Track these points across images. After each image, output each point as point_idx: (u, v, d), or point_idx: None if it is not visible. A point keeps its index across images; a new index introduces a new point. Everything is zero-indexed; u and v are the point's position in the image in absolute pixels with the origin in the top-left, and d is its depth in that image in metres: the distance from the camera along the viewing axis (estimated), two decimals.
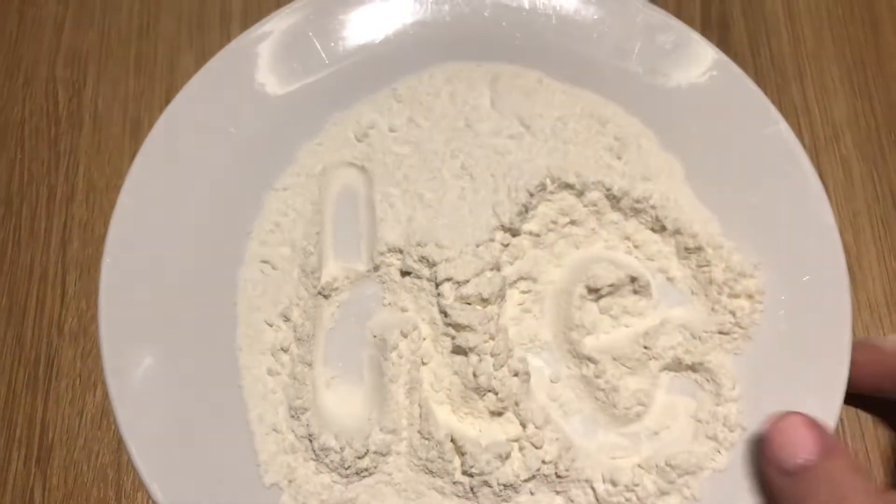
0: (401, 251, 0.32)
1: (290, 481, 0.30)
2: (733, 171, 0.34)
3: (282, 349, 0.32)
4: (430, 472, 0.30)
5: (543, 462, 0.30)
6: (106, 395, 0.33)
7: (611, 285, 0.32)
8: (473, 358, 0.30)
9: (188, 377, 0.31)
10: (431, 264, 0.32)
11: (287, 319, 0.32)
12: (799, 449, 0.26)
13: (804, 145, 0.37)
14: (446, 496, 0.30)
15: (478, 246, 0.32)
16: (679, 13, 0.39)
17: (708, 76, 0.35)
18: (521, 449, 0.30)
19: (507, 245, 0.33)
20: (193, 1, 0.40)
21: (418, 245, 0.32)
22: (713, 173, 0.34)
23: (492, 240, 0.32)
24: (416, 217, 0.33)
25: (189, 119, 0.34)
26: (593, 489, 0.30)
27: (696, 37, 0.35)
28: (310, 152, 0.35)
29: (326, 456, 0.30)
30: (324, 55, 0.36)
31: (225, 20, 0.40)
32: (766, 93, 0.35)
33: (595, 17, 0.36)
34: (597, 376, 0.31)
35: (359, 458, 0.30)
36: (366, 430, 0.30)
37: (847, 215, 0.37)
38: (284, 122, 0.35)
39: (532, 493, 0.30)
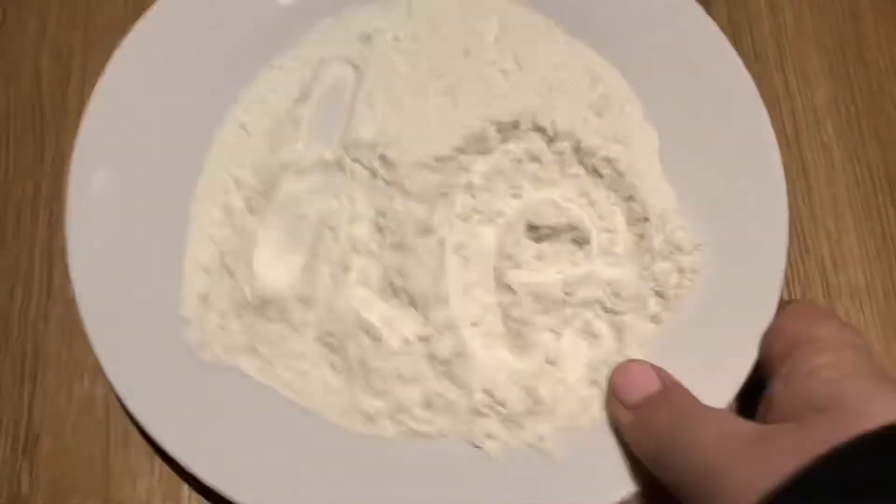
0: (367, 146, 0.34)
1: (200, 317, 0.32)
2: (706, 155, 0.34)
3: (232, 206, 0.34)
4: (330, 346, 0.32)
5: (435, 358, 0.31)
6: (92, 383, 0.34)
7: (551, 227, 0.33)
8: (406, 257, 0.32)
9: (141, 207, 0.33)
10: (390, 164, 0.33)
11: (242, 182, 0.34)
12: (641, 385, 0.29)
13: (786, 132, 0.37)
14: (336, 372, 0.32)
15: (437, 159, 0.33)
16: None
17: (707, 62, 0.35)
18: (419, 340, 0.32)
19: (465, 169, 0.34)
20: None
21: (384, 144, 0.34)
22: (686, 153, 0.34)
23: (452, 158, 0.33)
24: (389, 120, 0.34)
25: (170, 27, 0.36)
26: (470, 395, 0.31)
27: (713, 28, 0.36)
28: (312, 41, 0.36)
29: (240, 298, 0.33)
30: None
31: None
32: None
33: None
34: (512, 305, 0.32)
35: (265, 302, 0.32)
36: (283, 290, 0.33)
37: (828, 200, 0.37)
38: (290, 13, 0.37)
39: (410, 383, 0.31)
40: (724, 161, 0.34)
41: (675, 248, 0.32)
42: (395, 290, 0.33)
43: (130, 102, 0.35)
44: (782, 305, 0.31)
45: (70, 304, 0.35)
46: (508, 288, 0.32)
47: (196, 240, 0.34)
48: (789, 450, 0.23)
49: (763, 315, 0.31)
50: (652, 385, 0.29)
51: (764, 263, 0.32)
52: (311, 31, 0.37)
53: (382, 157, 0.34)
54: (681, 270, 0.32)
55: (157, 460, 0.33)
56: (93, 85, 0.38)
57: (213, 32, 0.36)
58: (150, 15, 0.36)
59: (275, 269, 0.33)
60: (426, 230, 0.33)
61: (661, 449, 0.27)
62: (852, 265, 0.36)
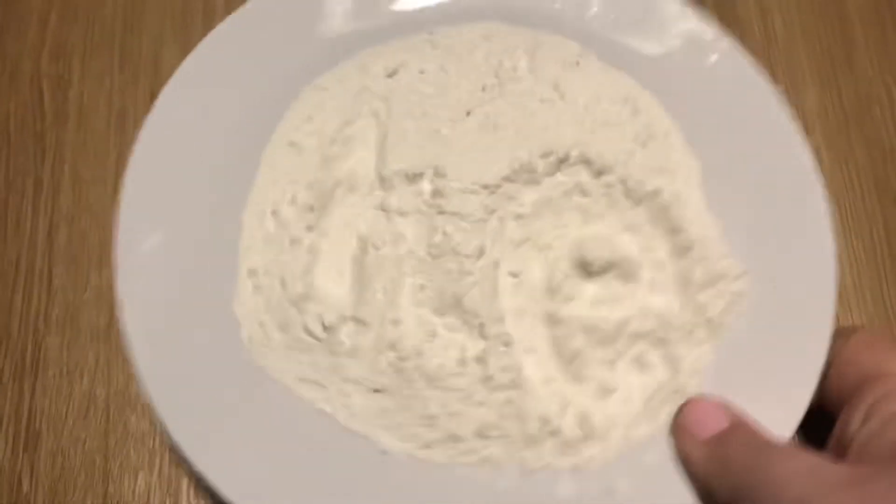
0: (410, 175, 0.34)
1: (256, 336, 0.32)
2: (749, 185, 0.34)
3: (287, 221, 0.33)
4: (383, 368, 0.32)
5: (491, 380, 0.31)
6: (92, 383, 0.34)
7: (602, 261, 0.33)
8: (460, 277, 0.32)
9: (193, 231, 0.33)
10: (437, 192, 0.33)
11: (297, 199, 0.34)
12: (712, 421, 0.29)
13: None
14: (388, 395, 0.31)
15: (485, 187, 0.33)
16: None
17: (742, 92, 0.36)
18: (475, 361, 0.32)
19: (513, 199, 0.34)
20: None
21: (428, 174, 0.34)
22: (730, 183, 0.34)
23: (499, 186, 0.33)
24: (426, 146, 0.34)
25: (232, 43, 0.35)
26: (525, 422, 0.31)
27: (740, 55, 0.36)
28: (351, 67, 0.36)
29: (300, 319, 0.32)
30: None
31: (208, 14, 0.40)
32: None
33: (641, 15, 0.37)
34: (564, 338, 0.32)
35: (324, 328, 0.32)
36: (339, 310, 0.32)
37: None
38: (326, 46, 0.36)
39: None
40: (765, 188, 0.34)
41: (720, 277, 0.32)
42: (450, 311, 0.32)
43: (179, 132, 0.34)
44: (842, 332, 0.31)
45: (69, 304, 0.35)
46: (561, 322, 0.32)
47: (248, 255, 0.33)
48: (887, 496, 0.23)
49: (818, 343, 0.31)
50: (722, 421, 0.29)
51: (814, 290, 0.32)
52: (342, 63, 0.36)
53: (430, 185, 0.34)
54: (726, 297, 0.32)
55: (157, 459, 0.33)
56: (92, 88, 0.39)
57: (256, 63, 0.35)
58: (199, 49, 0.35)
59: (329, 288, 0.33)
60: (480, 251, 0.33)
61: (741, 485, 0.26)
62: (840, 270, 0.37)
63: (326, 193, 0.34)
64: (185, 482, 0.33)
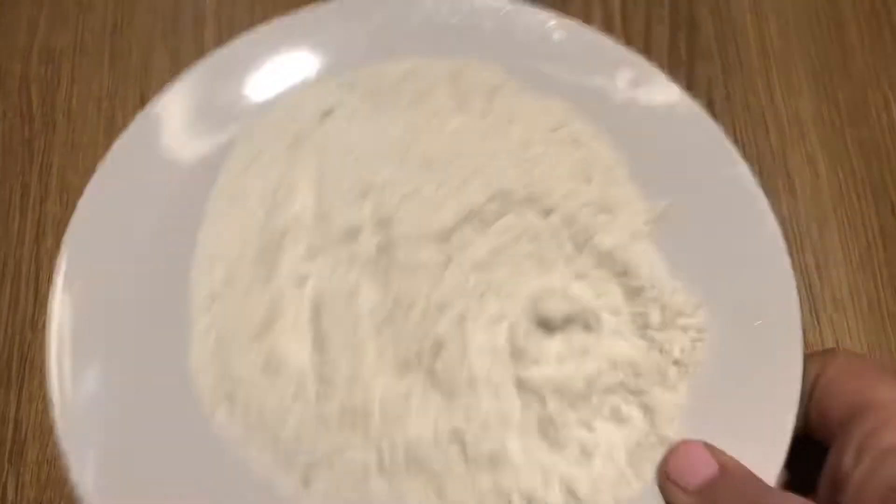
0: (346, 230, 0.32)
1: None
2: (694, 212, 0.33)
3: (236, 277, 0.32)
4: (354, 431, 0.30)
5: (468, 456, 0.30)
6: None
7: (562, 317, 0.32)
8: (425, 335, 0.31)
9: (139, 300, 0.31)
10: (386, 243, 0.32)
11: (243, 256, 0.32)
12: (701, 467, 0.28)
13: (770, 143, 0.38)
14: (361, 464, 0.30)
15: (437, 235, 0.32)
16: (648, 14, 0.40)
17: (673, 115, 0.35)
18: (452, 433, 0.30)
19: (469, 245, 0.33)
20: (167, 0, 0.40)
21: (375, 222, 0.32)
22: (674, 212, 0.33)
23: (453, 232, 0.32)
24: (368, 198, 0.33)
25: (155, 134, 0.33)
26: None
27: (663, 78, 0.35)
28: (283, 109, 0.34)
29: None
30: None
31: (199, 20, 0.40)
32: (733, 91, 0.36)
33: (576, 50, 0.36)
34: (537, 404, 0.31)
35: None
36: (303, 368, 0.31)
37: (812, 210, 0.37)
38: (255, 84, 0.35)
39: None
40: (709, 217, 0.33)
41: (676, 314, 0.32)
42: (417, 374, 0.31)
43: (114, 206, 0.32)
44: (818, 356, 0.30)
45: None
46: (531, 387, 0.31)
47: (199, 328, 0.31)
48: None
49: (790, 372, 0.30)
50: (710, 467, 0.28)
51: (778, 315, 0.31)
52: (275, 104, 0.35)
53: (374, 239, 0.32)
54: (686, 332, 0.32)
55: None
56: (81, 92, 0.38)
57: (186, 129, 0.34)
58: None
59: (291, 351, 0.32)
60: (441, 306, 0.32)
61: None
62: (836, 274, 0.37)
63: (275, 244, 0.32)
64: None
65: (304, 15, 0.36)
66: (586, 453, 0.31)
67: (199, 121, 0.34)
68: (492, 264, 0.33)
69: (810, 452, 0.28)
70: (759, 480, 0.27)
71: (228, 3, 0.40)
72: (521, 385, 0.32)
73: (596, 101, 0.35)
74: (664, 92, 0.35)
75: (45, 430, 0.33)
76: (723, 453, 0.28)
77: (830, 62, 0.40)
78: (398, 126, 0.35)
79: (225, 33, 0.40)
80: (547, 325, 0.32)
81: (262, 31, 0.35)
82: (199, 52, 0.39)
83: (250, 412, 0.30)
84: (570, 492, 0.30)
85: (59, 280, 0.31)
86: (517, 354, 0.32)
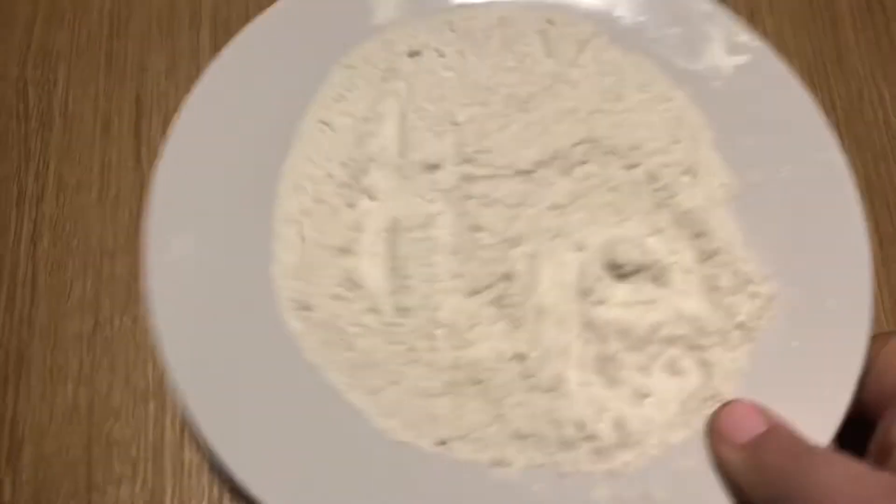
0: (425, 164, 0.34)
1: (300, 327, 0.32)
2: (778, 187, 0.34)
3: (325, 198, 0.33)
4: (421, 360, 0.31)
5: (530, 379, 0.31)
6: (76, 389, 0.34)
7: (634, 266, 0.32)
8: (490, 252, 0.32)
9: (226, 213, 0.32)
10: (469, 176, 0.33)
11: (334, 175, 0.34)
12: (748, 425, 0.28)
13: None
14: (427, 389, 0.31)
15: (518, 172, 0.33)
16: None
17: (769, 92, 0.35)
18: (515, 358, 0.31)
19: (550, 185, 0.33)
20: (164, 1, 0.40)
21: (460, 157, 0.33)
22: (756, 185, 0.34)
23: (533, 171, 0.33)
24: (451, 132, 0.34)
25: (260, 48, 0.35)
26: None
27: (771, 55, 0.35)
28: (374, 46, 0.36)
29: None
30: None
31: (195, 21, 0.40)
32: None
33: (670, 16, 0.36)
34: (598, 342, 0.32)
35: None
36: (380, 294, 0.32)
37: None
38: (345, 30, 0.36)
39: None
40: (793, 194, 0.34)
41: (746, 281, 0.32)
42: (488, 300, 0.32)
43: (213, 117, 0.34)
44: (878, 338, 0.31)
45: (52, 310, 0.35)
46: (594, 325, 0.32)
47: (285, 238, 0.33)
48: None
49: (855, 347, 0.31)
50: (759, 425, 0.28)
51: (848, 292, 0.32)
52: (369, 38, 0.36)
53: (455, 172, 0.33)
54: (754, 299, 0.32)
55: (140, 468, 0.33)
56: (77, 93, 0.39)
57: (286, 49, 0.35)
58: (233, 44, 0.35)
59: (369, 272, 0.33)
60: (517, 240, 0.33)
61: (779, 492, 0.26)
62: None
63: (361, 170, 0.34)
64: (168, 491, 0.33)
65: None
66: (639, 395, 0.31)
67: (294, 48, 0.35)
68: (569, 208, 0.33)
69: (859, 437, 0.29)
70: (805, 440, 0.27)
71: (224, 4, 0.40)
72: (586, 322, 0.32)
73: (686, 64, 0.36)
74: (755, 60, 0.35)
75: (42, 430, 0.33)
76: (773, 415, 0.29)
77: (826, 60, 0.40)
78: (486, 67, 0.35)
79: (221, 35, 0.40)
80: (617, 272, 0.33)
81: None
82: (195, 54, 0.40)
83: (327, 323, 0.31)
84: (620, 426, 0.30)
85: (162, 168, 0.32)
86: (585, 293, 0.32)
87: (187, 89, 0.38)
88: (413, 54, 0.36)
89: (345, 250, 0.33)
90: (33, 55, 0.39)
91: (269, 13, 0.35)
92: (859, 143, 0.39)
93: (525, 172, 0.33)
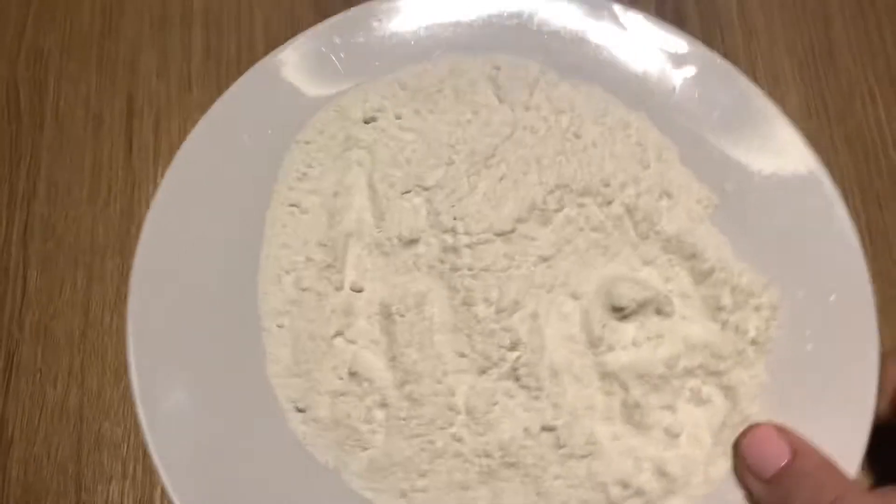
0: (402, 240, 0.33)
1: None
2: (754, 191, 0.34)
3: (308, 285, 0.32)
4: (417, 434, 0.30)
5: (564, 448, 0.30)
6: (65, 390, 0.34)
7: (636, 304, 0.32)
8: (491, 324, 0.31)
9: (208, 308, 0.31)
10: (450, 247, 0.32)
11: (311, 262, 0.32)
12: (772, 456, 0.28)
13: None
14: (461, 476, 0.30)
15: (498, 235, 0.32)
16: (634, 9, 0.39)
17: (725, 98, 0.35)
18: (543, 430, 0.30)
19: (532, 239, 0.33)
20: (155, 0, 0.40)
21: (424, 230, 0.32)
22: (732, 193, 0.34)
23: (513, 230, 0.32)
24: (423, 200, 0.33)
25: (212, 144, 0.34)
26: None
27: (718, 59, 0.35)
28: (328, 117, 0.35)
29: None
30: (344, 75, 0.36)
31: (186, 19, 0.40)
32: None
33: (613, 39, 0.36)
34: (620, 390, 0.31)
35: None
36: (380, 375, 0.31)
37: None
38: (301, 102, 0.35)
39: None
40: (769, 196, 0.33)
41: (748, 294, 0.32)
42: (500, 374, 0.31)
43: (185, 219, 0.32)
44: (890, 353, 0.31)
45: (43, 310, 0.35)
46: (611, 374, 0.32)
47: (275, 334, 0.32)
48: None
49: (867, 340, 0.31)
50: (783, 454, 0.28)
51: (847, 284, 0.32)
52: (323, 108, 0.35)
53: (436, 242, 0.32)
54: (760, 311, 0.32)
55: (130, 466, 0.33)
56: (68, 93, 0.39)
57: (235, 186, 0.33)
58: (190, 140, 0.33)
59: (370, 362, 0.32)
60: (514, 304, 0.31)
61: None
62: None
63: (341, 248, 0.33)
64: (158, 490, 0.33)
65: (338, 20, 0.36)
66: (672, 434, 0.31)
67: (252, 128, 0.34)
68: (557, 257, 0.33)
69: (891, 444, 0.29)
70: (830, 466, 0.27)
71: (215, 3, 0.40)
72: (603, 373, 0.32)
73: (636, 86, 0.35)
74: (705, 69, 0.35)
75: (32, 429, 0.33)
76: (795, 436, 0.29)
77: (817, 56, 0.40)
78: (445, 124, 0.35)
79: (212, 34, 0.40)
80: (620, 312, 0.32)
81: (301, 40, 0.35)
82: (187, 53, 0.40)
83: (337, 423, 0.30)
84: (662, 474, 0.30)
85: (134, 294, 0.31)
86: (594, 343, 0.32)
87: (179, 88, 0.38)
88: (369, 120, 0.35)
89: (340, 337, 0.32)
90: (24, 55, 0.39)
91: (216, 107, 0.34)
92: (850, 139, 0.39)
93: (505, 233, 0.32)
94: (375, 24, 0.36)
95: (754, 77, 0.39)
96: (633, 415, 0.31)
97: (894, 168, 0.38)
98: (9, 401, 0.34)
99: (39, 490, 0.33)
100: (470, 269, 0.32)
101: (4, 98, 0.38)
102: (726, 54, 0.39)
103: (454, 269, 0.32)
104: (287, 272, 0.32)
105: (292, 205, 0.33)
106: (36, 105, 0.38)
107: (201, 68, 0.39)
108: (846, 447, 0.29)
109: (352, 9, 0.36)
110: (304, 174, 0.34)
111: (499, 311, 0.31)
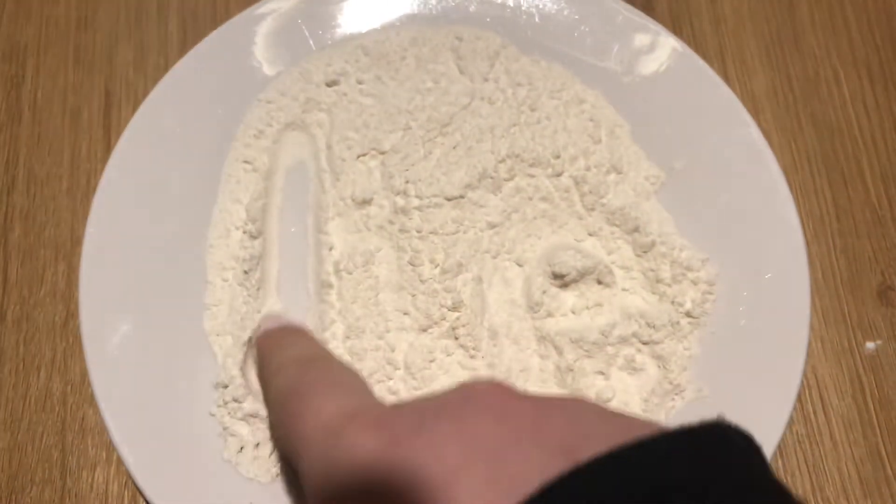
0: (356, 200, 0.34)
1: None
2: (701, 170, 0.35)
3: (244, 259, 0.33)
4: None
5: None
6: (49, 378, 0.34)
7: (576, 273, 0.33)
8: (434, 284, 0.32)
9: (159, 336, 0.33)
10: (400, 208, 0.33)
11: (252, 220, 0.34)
12: None
13: None
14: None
15: (448, 199, 0.33)
16: None
17: (680, 78, 0.36)
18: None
19: (482, 206, 0.34)
20: None
21: (376, 191, 0.34)
22: (681, 171, 0.35)
23: (462, 196, 0.33)
24: (378, 163, 0.34)
25: (176, 98, 0.35)
26: None
27: (673, 41, 0.36)
28: (291, 78, 0.36)
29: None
30: (311, 42, 0.37)
31: (163, 11, 0.40)
32: None
33: (576, 16, 0.37)
34: (555, 355, 0.32)
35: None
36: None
37: None
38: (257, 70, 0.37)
39: None
40: (720, 175, 0.34)
41: (686, 268, 0.33)
42: (440, 333, 0.33)
43: (126, 219, 0.34)
44: None
45: (24, 300, 0.35)
46: (548, 338, 0.33)
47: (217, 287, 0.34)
48: None
49: (799, 320, 0.32)
50: None
51: (784, 269, 0.33)
52: (286, 71, 0.36)
53: (387, 204, 0.34)
54: (697, 285, 0.33)
55: (115, 452, 0.33)
56: (46, 86, 0.39)
57: (193, 147, 0.35)
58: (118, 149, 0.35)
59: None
60: (458, 266, 0.33)
61: None
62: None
63: (294, 209, 0.34)
64: None
65: None
66: (603, 400, 0.32)
67: (214, 89, 0.35)
68: (505, 224, 0.34)
69: None
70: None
71: None
72: (540, 336, 0.33)
73: (595, 64, 0.36)
74: (663, 50, 0.36)
75: (16, 418, 0.34)
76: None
77: (783, 40, 0.41)
78: (405, 90, 0.36)
79: (189, 26, 0.40)
80: (561, 280, 0.33)
81: (269, 5, 0.36)
82: (164, 45, 0.40)
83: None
84: None
85: (89, 236, 0.33)
86: (533, 307, 0.33)
87: (156, 80, 0.38)
88: (331, 83, 0.36)
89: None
90: (0, 49, 0.39)
91: (181, 63, 0.36)
92: (815, 121, 0.39)
93: (455, 198, 0.34)
94: None
95: (722, 60, 0.40)
96: (566, 378, 0.32)
97: (859, 147, 0.39)
98: None
99: (25, 478, 0.33)
100: (418, 231, 0.33)
101: None
102: (695, 38, 0.41)
103: (403, 230, 0.33)
104: (237, 227, 0.34)
105: (246, 161, 0.35)
106: (13, 99, 0.39)
107: (178, 61, 0.40)
108: (769, 422, 0.30)
109: None
110: (261, 132, 0.35)
111: (443, 273, 0.32)
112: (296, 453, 0.22)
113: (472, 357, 0.32)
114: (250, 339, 0.32)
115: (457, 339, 0.32)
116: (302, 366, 0.25)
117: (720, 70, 0.40)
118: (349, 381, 0.24)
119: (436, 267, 0.33)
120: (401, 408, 0.21)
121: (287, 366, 0.26)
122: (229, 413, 0.31)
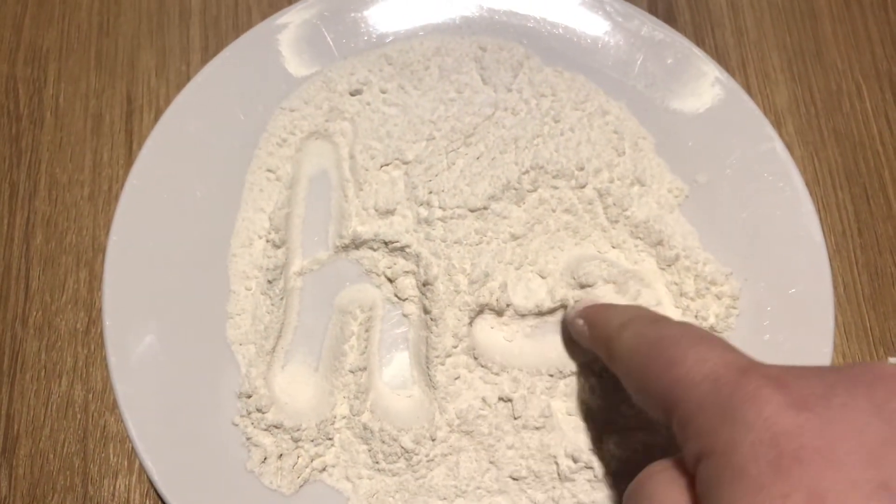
0: (379, 210, 0.34)
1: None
2: (725, 184, 0.35)
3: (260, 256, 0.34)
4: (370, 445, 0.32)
5: (519, 420, 0.31)
6: (70, 385, 0.34)
7: (602, 281, 0.33)
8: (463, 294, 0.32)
9: (184, 352, 0.33)
10: (420, 222, 0.33)
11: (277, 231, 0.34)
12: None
13: None
14: (379, 468, 0.32)
15: (472, 211, 0.33)
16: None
17: (708, 93, 0.36)
18: (501, 401, 0.32)
19: (505, 217, 0.34)
20: None
21: (399, 202, 0.34)
22: (704, 184, 0.35)
23: (486, 207, 0.33)
24: (402, 174, 0.35)
25: (199, 106, 0.35)
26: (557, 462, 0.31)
27: (697, 52, 0.36)
28: (314, 87, 0.36)
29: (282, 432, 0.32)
30: (335, 51, 0.37)
31: (184, 17, 0.40)
32: None
33: (599, 28, 0.37)
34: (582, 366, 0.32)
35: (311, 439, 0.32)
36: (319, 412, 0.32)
37: None
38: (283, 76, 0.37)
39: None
40: (745, 189, 0.34)
41: (709, 282, 0.33)
42: (463, 346, 0.32)
43: (148, 234, 0.34)
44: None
45: (46, 307, 0.35)
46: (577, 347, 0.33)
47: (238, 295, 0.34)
48: None
49: (823, 335, 0.32)
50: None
51: (808, 278, 0.33)
52: (310, 78, 0.36)
53: (410, 215, 0.34)
54: (721, 299, 0.33)
55: (136, 460, 0.33)
56: (68, 91, 0.39)
57: (216, 154, 0.35)
58: (142, 156, 0.35)
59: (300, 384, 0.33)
60: (484, 276, 0.33)
61: None
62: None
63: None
64: None
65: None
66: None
67: (238, 96, 0.36)
68: (528, 236, 0.34)
69: None
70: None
71: (213, 2, 0.41)
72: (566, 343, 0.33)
73: (619, 76, 0.36)
74: (687, 63, 0.36)
75: (38, 425, 0.34)
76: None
77: (805, 53, 0.41)
78: (428, 100, 0.36)
79: (211, 32, 0.40)
80: (584, 291, 0.33)
81: (292, 13, 0.37)
82: (185, 51, 0.40)
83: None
84: (614, 457, 0.31)
85: (113, 243, 0.33)
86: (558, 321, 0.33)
87: (178, 86, 0.38)
88: (354, 93, 0.36)
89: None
90: (23, 53, 0.39)
91: (206, 70, 0.36)
92: (837, 134, 0.39)
93: (479, 209, 0.33)
94: (367, 1, 0.37)
95: (745, 73, 0.40)
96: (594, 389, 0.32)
97: (881, 161, 0.39)
98: (14, 398, 0.34)
99: (46, 485, 0.33)
100: (443, 241, 0.33)
101: (4, 97, 0.38)
102: (717, 50, 0.40)
103: (427, 239, 0.33)
104: (260, 237, 0.34)
105: (269, 170, 0.35)
106: (35, 104, 0.38)
107: (199, 67, 0.39)
108: None
109: None
110: (284, 140, 0.35)
111: (471, 283, 0.33)
112: (669, 399, 0.22)
113: (495, 373, 0.32)
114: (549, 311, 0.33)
115: (482, 367, 0.32)
116: (653, 322, 0.26)
117: (742, 82, 0.40)
118: (709, 335, 0.24)
119: (457, 279, 0.32)
120: (790, 370, 0.21)
121: (633, 322, 0.26)
122: (252, 423, 0.31)
